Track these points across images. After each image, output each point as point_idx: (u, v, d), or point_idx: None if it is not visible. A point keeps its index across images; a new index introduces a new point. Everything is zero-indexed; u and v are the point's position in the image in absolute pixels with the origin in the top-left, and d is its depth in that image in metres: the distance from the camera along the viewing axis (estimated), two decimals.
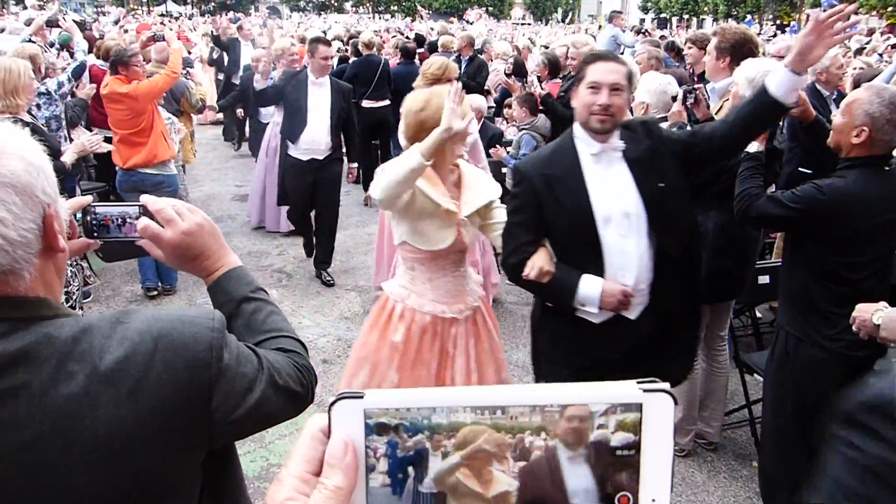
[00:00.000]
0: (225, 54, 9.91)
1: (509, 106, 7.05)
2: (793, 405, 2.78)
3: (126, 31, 10.54)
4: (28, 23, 7.98)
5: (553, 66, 6.55)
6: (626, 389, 0.45)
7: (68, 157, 4.09)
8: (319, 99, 5.43)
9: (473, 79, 8.00)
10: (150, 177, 5.16)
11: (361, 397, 0.45)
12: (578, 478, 0.46)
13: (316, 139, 5.44)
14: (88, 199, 1.25)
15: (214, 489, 1.17)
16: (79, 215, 1.25)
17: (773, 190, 3.11)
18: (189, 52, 10.70)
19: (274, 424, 1.21)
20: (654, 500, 0.45)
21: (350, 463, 0.45)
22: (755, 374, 3.56)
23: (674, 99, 3.62)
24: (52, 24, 6.76)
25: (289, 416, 1.20)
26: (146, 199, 1.23)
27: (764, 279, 3.57)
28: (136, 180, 5.12)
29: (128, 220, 1.25)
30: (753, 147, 2.82)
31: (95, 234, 1.25)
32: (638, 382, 0.45)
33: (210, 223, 1.27)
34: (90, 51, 7.67)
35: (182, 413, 1.01)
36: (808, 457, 2.77)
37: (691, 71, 5.50)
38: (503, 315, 5.19)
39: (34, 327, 0.96)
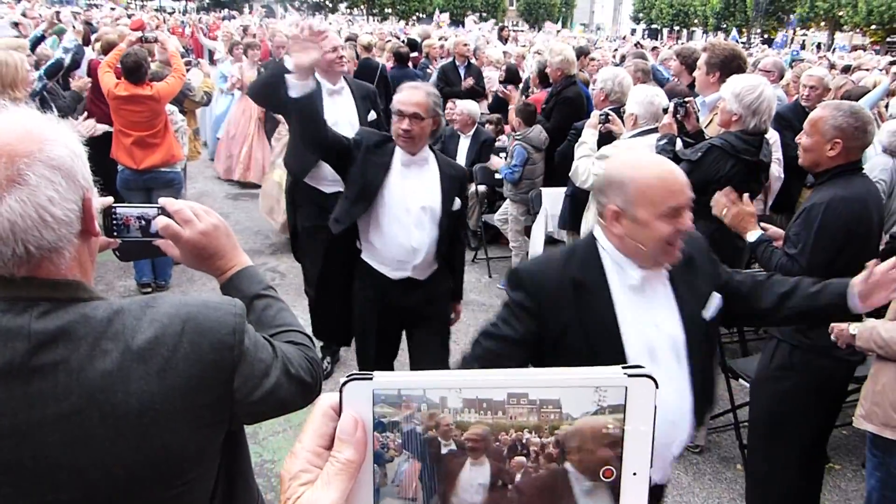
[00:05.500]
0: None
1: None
2: (798, 416, 2.78)
3: (118, 19, 10.26)
4: (23, 14, 7.97)
5: (544, 75, 6.59)
6: (613, 374, 0.49)
7: None
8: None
9: (477, 84, 8.05)
10: (162, 174, 5.17)
11: (371, 379, 0.49)
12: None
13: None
14: (109, 199, 1.30)
15: (228, 472, 1.24)
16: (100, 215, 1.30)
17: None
18: (187, 55, 9.87)
19: (285, 413, 1.26)
20: (635, 474, 0.50)
21: (360, 438, 0.48)
22: (740, 380, 3.66)
23: (665, 111, 3.71)
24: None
25: (298, 406, 1.25)
26: (164, 201, 1.29)
27: None
28: (148, 178, 5.12)
29: (147, 220, 1.29)
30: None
31: (115, 234, 1.30)
32: (623, 368, 0.50)
33: (224, 224, 1.33)
34: (85, 43, 7.63)
35: (206, 391, 1.08)
36: (800, 463, 2.85)
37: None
38: None
39: (72, 308, 1.03)
